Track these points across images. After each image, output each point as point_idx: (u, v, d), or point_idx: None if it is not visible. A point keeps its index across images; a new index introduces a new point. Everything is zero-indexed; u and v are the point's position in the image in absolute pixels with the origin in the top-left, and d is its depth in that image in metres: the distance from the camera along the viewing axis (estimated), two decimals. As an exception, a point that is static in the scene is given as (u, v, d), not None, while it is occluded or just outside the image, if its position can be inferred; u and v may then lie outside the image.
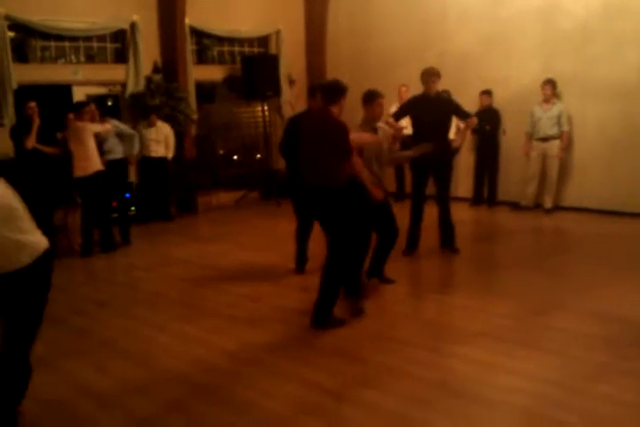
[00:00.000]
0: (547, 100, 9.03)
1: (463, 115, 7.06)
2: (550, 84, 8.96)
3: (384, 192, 5.68)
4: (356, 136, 5.19)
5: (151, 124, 9.50)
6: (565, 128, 8.99)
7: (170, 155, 9.70)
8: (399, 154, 6.45)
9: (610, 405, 3.60)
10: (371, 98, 5.69)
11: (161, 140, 9.56)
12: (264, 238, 8.50)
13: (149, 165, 9.58)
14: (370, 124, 5.74)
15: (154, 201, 9.80)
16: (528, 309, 5.25)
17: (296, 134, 5.59)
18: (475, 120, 7.20)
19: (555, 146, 9.06)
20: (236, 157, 12.36)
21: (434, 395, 3.81)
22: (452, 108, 7.00)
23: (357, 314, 5.21)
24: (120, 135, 8.36)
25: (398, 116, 7.11)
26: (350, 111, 5.80)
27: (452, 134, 8.68)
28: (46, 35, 9.23)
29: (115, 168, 8.23)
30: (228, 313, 5.49)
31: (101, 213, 7.83)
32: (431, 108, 6.78)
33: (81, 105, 7.90)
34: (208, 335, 4.98)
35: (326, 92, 5.03)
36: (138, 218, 9.46)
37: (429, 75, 6.78)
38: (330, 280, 4.98)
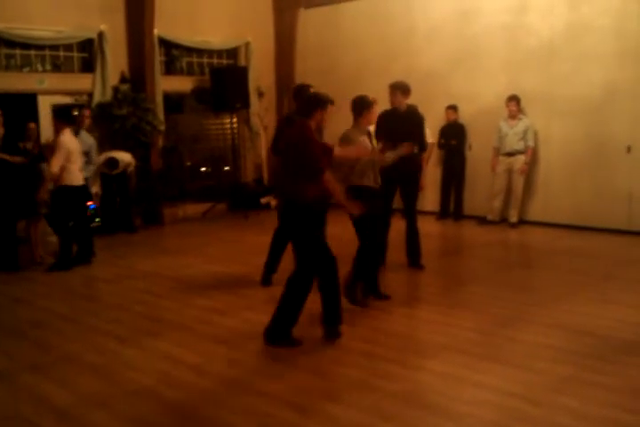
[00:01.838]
0: (512, 117, 9.16)
1: (420, 141, 6.82)
2: (515, 100, 9.10)
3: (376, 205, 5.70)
4: (341, 151, 5.09)
5: None
6: (530, 143, 9.13)
7: (129, 168, 9.58)
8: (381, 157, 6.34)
9: (573, 418, 3.62)
10: (368, 106, 5.66)
11: None
12: (231, 251, 8.44)
13: (110, 177, 9.45)
14: (363, 130, 5.71)
15: (118, 213, 9.70)
16: (493, 322, 5.29)
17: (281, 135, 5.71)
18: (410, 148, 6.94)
19: (520, 161, 9.19)
20: (203, 169, 12.30)
21: (399, 408, 3.80)
22: (418, 126, 6.85)
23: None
24: (86, 153, 8.19)
25: (379, 135, 6.72)
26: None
27: (429, 137, 8.71)
28: (12, 43, 9.11)
29: None
30: (194, 327, 5.42)
31: (83, 224, 7.81)
32: (402, 123, 6.74)
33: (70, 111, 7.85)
34: (173, 349, 4.91)
35: (302, 104, 4.87)
36: (102, 230, 9.35)
37: (392, 88, 6.74)
38: (289, 296, 4.82)
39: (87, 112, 8.11)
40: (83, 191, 7.53)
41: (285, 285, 4.88)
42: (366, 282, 5.87)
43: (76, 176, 7.39)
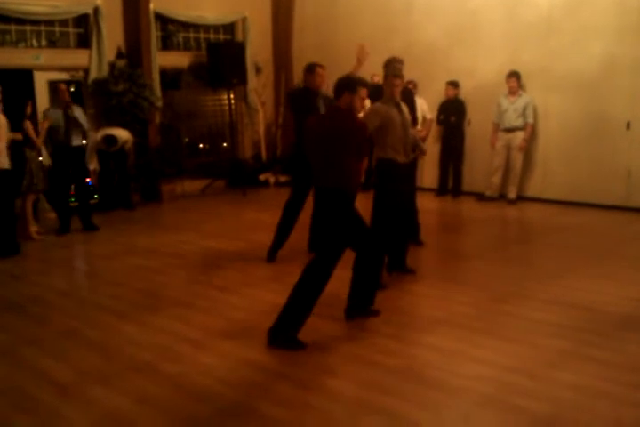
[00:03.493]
0: (512, 93, 9.11)
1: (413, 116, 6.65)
2: (515, 76, 9.04)
3: None
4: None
5: None
6: (530, 120, 9.08)
7: (127, 145, 9.56)
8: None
9: (570, 391, 3.65)
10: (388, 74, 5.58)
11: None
12: (230, 227, 8.43)
13: (108, 154, 9.41)
14: (391, 102, 5.53)
15: (116, 189, 9.68)
16: (490, 297, 5.31)
17: (300, 109, 5.94)
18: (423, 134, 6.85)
19: (519, 137, 9.16)
20: (201, 146, 12.25)
21: (397, 382, 3.83)
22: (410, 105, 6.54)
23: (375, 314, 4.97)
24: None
25: None
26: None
27: (427, 113, 8.74)
28: (7, 18, 9.01)
29: (76, 155, 8.16)
30: (193, 302, 5.44)
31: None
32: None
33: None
34: (172, 325, 4.92)
35: (334, 89, 4.61)
36: (100, 206, 9.34)
37: (400, 63, 6.35)
38: (304, 287, 4.41)
39: (63, 86, 8.10)
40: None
41: (302, 273, 4.47)
42: (390, 257, 5.82)
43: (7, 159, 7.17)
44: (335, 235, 4.54)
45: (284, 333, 4.38)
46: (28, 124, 7.64)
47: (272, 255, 6.55)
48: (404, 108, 5.66)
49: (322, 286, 4.43)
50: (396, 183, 5.56)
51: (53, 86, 8.48)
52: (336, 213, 4.54)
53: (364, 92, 4.55)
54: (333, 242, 4.53)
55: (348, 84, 4.54)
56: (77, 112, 8.19)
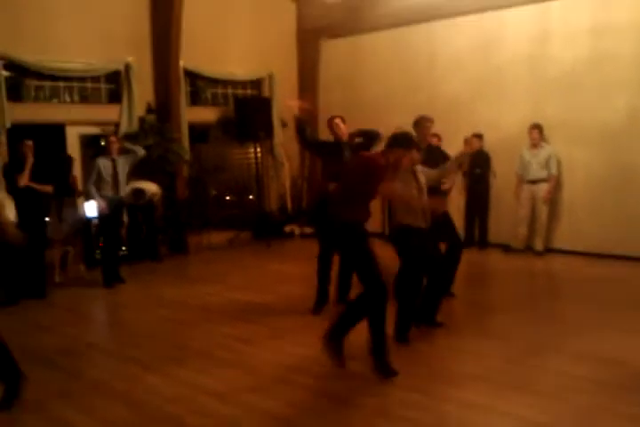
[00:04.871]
0: (534, 145, 9.17)
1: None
2: (537, 128, 9.11)
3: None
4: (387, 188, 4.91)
5: None
6: (554, 172, 9.11)
7: (155, 198, 9.68)
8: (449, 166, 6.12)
9: (604, 449, 3.56)
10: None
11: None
12: (255, 279, 8.44)
13: (136, 206, 9.51)
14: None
15: (144, 241, 9.77)
16: (520, 351, 5.23)
17: (330, 159, 6.33)
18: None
19: (543, 189, 9.17)
20: (228, 198, 12.39)
21: (426, 438, 3.76)
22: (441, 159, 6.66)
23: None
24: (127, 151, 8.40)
25: None
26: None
27: None
28: (41, 74, 9.32)
29: (122, 205, 8.48)
30: (219, 355, 5.42)
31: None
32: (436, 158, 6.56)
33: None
34: (198, 377, 4.90)
35: (387, 140, 4.86)
36: (128, 258, 9.41)
37: (430, 122, 6.42)
38: (373, 321, 4.68)
39: (113, 138, 8.29)
40: None
41: (368, 316, 4.71)
42: (419, 312, 5.78)
43: None
44: (363, 267, 4.67)
45: (377, 361, 4.68)
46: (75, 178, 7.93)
47: (318, 308, 6.51)
48: (421, 175, 5.60)
49: (384, 314, 4.65)
50: (417, 249, 5.51)
51: (85, 140, 8.67)
52: (349, 245, 4.71)
53: (415, 153, 4.77)
54: (367, 273, 4.65)
55: (405, 142, 4.71)
56: (123, 159, 8.27)
